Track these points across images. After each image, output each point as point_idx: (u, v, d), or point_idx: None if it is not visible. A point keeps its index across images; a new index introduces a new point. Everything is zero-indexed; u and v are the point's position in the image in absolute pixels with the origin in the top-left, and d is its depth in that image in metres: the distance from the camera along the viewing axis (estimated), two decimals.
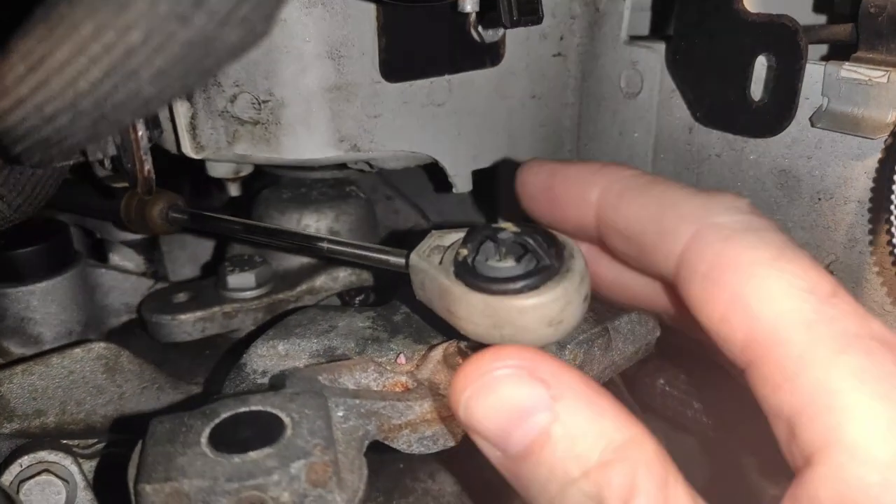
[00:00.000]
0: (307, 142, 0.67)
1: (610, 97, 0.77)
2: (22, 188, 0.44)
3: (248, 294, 0.77)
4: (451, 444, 0.50)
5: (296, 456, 0.39)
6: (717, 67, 0.64)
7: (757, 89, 0.61)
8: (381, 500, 0.76)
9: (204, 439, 0.41)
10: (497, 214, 0.85)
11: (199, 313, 0.75)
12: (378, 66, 0.66)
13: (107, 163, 0.42)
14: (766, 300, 0.39)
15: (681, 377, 0.79)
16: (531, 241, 0.44)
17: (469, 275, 0.44)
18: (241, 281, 0.77)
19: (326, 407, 0.44)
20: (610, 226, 0.48)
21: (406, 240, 0.73)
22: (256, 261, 0.78)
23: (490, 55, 0.72)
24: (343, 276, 0.80)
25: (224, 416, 0.42)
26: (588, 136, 0.82)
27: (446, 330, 0.50)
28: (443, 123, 0.72)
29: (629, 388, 0.85)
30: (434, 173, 0.82)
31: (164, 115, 0.68)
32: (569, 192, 0.50)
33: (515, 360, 0.38)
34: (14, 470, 0.50)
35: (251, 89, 0.65)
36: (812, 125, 0.60)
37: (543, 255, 0.44)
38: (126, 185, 0.81)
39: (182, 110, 0.66)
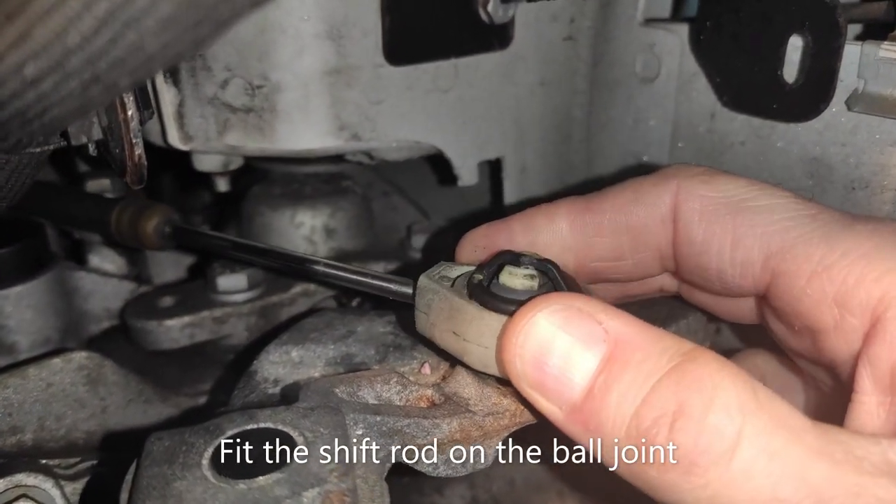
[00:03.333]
0: (304, 130, 0.62)
1: (624, 83, 0.73)
2: None
3: (240, 297, 0.72)
4: (482, 466, 0.45)
5: (309, 483, 0.34)
6: (746, 48, 0.60)
7: (790, 71, 0.57)
8: None
9: (206, 461, 0.36)
10: (500, 211, 0.80)
11: (187, 318, 0.69)
12: (381, 47, 0.61)
13: (91, 148, 0.37)
14: (767, 212, 0.44)
15: None
16: (553, 270, 0.45)
17: (485, 295, 0.43)
18: (231, 283, 0.72)
19: (344, 425, 0.39)
20: (593, 232, 0.50)
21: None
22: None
23: (498, 38, 0.67)
24: None
25: (229, 433, 0.37)
26: (599, 125, 0.78)
27: None
28: (448, 111, 0.68)
29: None
30: (438, 165, 0.77)
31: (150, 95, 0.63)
32: (535, 231, 0.51)
33: (564, 300, 0.38)
34: None
35: (244, 73, 0.60)
36: (848, 109, 0.56)
37: (563, 284, 0.44)
38: (114, 197, 0.76)
39: (168, 97, 0.61)
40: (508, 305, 0.42)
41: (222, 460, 0.36)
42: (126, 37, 0.26)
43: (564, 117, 0.77)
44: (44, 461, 0.53)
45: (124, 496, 0.35)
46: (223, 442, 0.37)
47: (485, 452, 0.44)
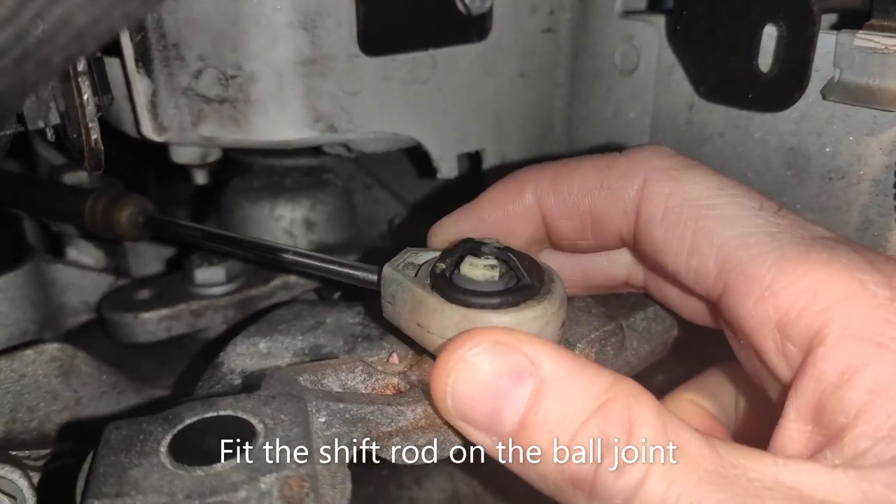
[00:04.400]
0: (279, 121, 0.62)
1: (603, 75, 0.73)
2: None
3: (218, 290, 0.71)
4: (446, 454, 0.45)
5: (267, 469, 0.34)
6: (721, 39, 0.60)
7: (765, 60, 0.57)
8: None
9: (163, 448, 0.35)
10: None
11: (163, 311, 0.69)
12: (356, 37, 0.61)
13: (49, 133, 0.37)
14: (728, 223, 0.43)
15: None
16: (514, 258, 0.44)
17: (447, 287, 0.43)
18: (209, 276, 0.71)
19: (306, 412, 0.39)
20: (557, 212, 0.50)
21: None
22: None
23: (476, 29, 0.67)
24: None
25: (188, 421, 0.37)
26: (580, 117, 0.77)
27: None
28: (426, 102, 0.67)
29: None
30: (417, 158, 0.77)
31: (121, 94, 0.62)
32: (504, 212, 0.51)
33: (490, 336, 0.38)
34: None
35: (217, 63, 0.59)
36: (823, 98, 0.56)
37: (525, 274, 0.44)
38: (88, 188, 0.75)
39: (141, 87, 0.60)
40: (469, 297, 0.42)
41: (180, 448, 0.35)
42: (52, 11, 0.26)
43: (545, 109, 0.77)
44: (14, 453, 0.52)
45: (80, 484, 0.35)
46: (182, 429, 0.36)
47: (450, 441, 0.43)
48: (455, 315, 0.42)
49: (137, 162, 0.89)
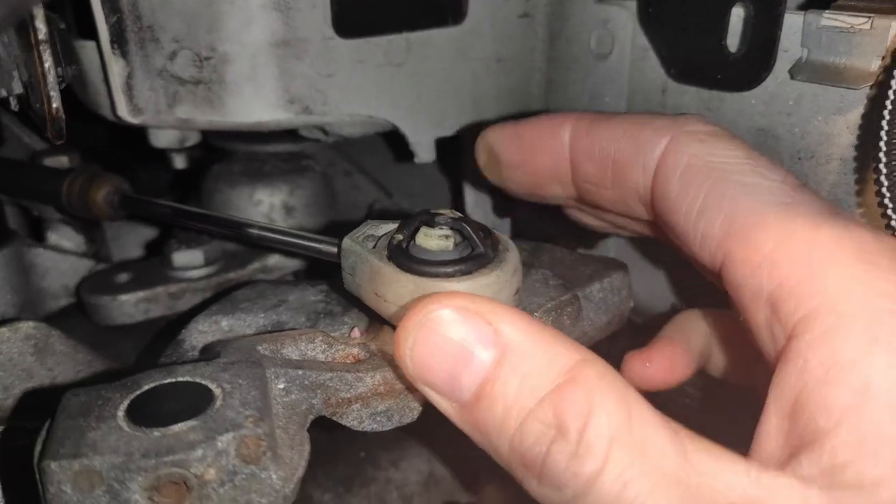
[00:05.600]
0: (254, 103, 0.62)
1: (580, 60, 0.73)
2: None
3: (196, 273, 0.72)
4: (408, 420, 0.46)
5: (224, 429, 0.35)
6: (691, 20, 0.60)
7: (733, 41, 0.58)
8: (341, 490, 0.71)
9: (121, 413, 0.36)
10: (461, 190, 0.80)
11: (141, 293, 0.69)
12: (330, 19, 0.61)
13: (13, 103, 0.37)
14: (743, 189, 0.41)
15: None
16: (468, 228, 0.45)
17: (402, 257, 0.44)
18: (187, 259, 0.72)
19: (264, 377, 0.39)
20: (584, 154, 0.50)
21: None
22: (205, 237, 0.73)
23: (452, 12, 0.67)
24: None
25: (146, 387, 0.38)
26: (557, 102, 0.78)
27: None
28: (401, 86, 0.68)
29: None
30: (395, 142, 0.77)
31: (97, 77, 0.63)
32: (540, 137, 0.52)
33: (455, 300, 0.37)
34: None
35: (192, 45, 0.60)
36: (791, 78, 0.57)
37: (479, 244, 0.44)
38: (66, 168, 0.76)
39: (117, 69, 0.61)
40: (423, 266, 0.43)
41: (138, 412, 0.36)
42: None
43: (522, 94, 0.77)
44: None
45: (38, 448, 0.35)
46: (140, 394, 0.37)
47: (409, 407, 0.44)
48: (409, 284, 0.42)
49: (118, 149, 0.89)
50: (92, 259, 0.77)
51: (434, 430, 0.77)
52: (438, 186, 0.88)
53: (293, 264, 0.75)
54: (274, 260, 0.74)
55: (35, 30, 0.35)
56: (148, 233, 0.82)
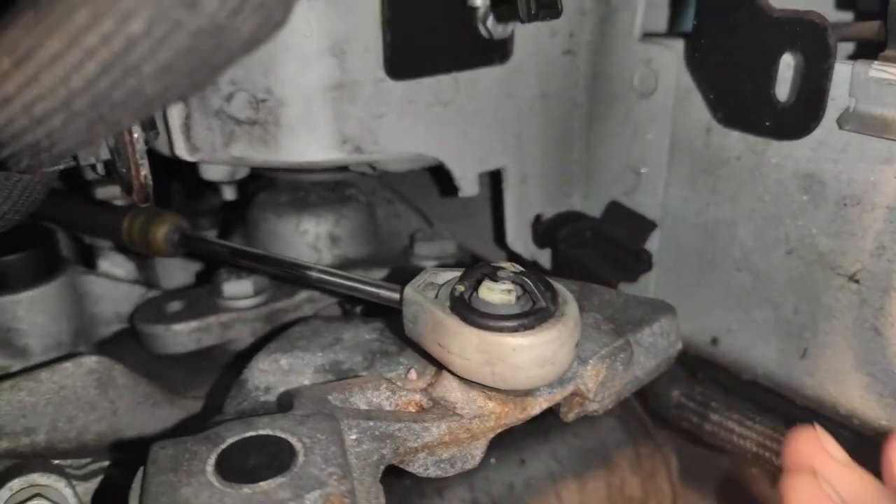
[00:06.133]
0: (308, 143, 0.64)
1: (622, 97, 0.75)
2: (8, 194, 0.41)
3: (245, 303, 0.74)
4: (469, 466, 0.47)
5: (311, 486, 0.36)
6: (739, 66, 0.62)
7: (782, 89, 0.59)
8: None
9: (210, 467, 0.37)
10: (503, 219, 0.82)
11: (194, 323, 0.71)
12: (382, 62, 0.63)
13: (99, 168, 0.39)
14: None
15: (696, 389, 0.76)
16: (529, 282, 0.46)
17: (466, 309, 0.45)
18: (237, 289, 0.73)
19: (339, 430, 0.41)
20: None
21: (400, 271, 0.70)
22: None
23: (498, 52, 0.69)
24: None
25: (230, 441, 0.39)
26: (598, 137, 0.79)
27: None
28: (449, 124, 0.69)
29: (642, 398, 0.83)
30: (439, 176, 0.79)
31: (157, 117, 0.65)
32: None
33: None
34: (4, 495, 0.46)
35: (249, 87, 0.62)
36: (839, 127, 0.58)
37: (540, 298, 0.46)
38: (125, 203, 0.78)
39: (175, 110, 0.63)
40: (487, 321, 0.44)
41: (225, 466, 0.38)
42: (126, 82, 0.28)
43: (564, 130, 0.79)
44: (56, 462, 0.55)
45: (134, 502, 0.37)
46: (225, 448, 0.39)
47: (472, 454, 0.46)
48: (474, 338, 0.44)
49: (164, 175, 0.91)
50: (143, 286, 0.79)
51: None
52: (479, 214, 0.90)
53: (338, 295, 0.77)
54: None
55: None
56: (194, 261, 0.84)
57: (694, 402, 0.75)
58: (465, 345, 0.44)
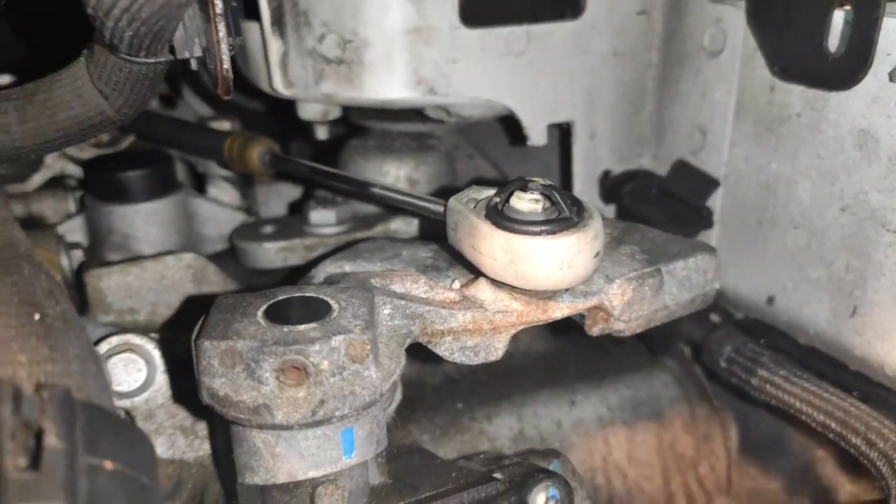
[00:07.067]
0: (387, 82, 0.71)
1: (693, 57, 0.77)
2: (122, 88, 0.50)
3: (328, 230, 0.82)
4: (492, 358, 0.52)
5: (338, 331, 0.43)
6: (795, 21, 0.64)
7: (834, 41, 0.60)
8: (438, 434, 0.79)
9: (260, 313, 0.45)
10: (571, 176, 0.86)
11: (282, 243, 0.80)
12: (458, 10, 0.69)
13: (193, 63, 0.48)
14: None
15: (748, 346, 0.78)
16: (556, 195, 0.51)
17: (496, 215, 0.50)
18: (322, 217, 0.82)
19: (372, 299, 0.48)
20: None
21: None
22: (338, 201, 0.83)
23: (570, 6, 0.73)
24: (416, 222, 0.84)
25: (280, 297, 0.47)
26: (669, 98, 0.82)
27: None
28: (520, 74, 0.75)
29: (696, 353, 0.85)
30: (511, 127, 0.84)
31: (259, 55, 0.74)
32: None
33: None
34: (102, 347, 0.55)
35: (338, 29, 0.70)
36: (890, 80, 0.59)
37: (565, 208, 0.50)
38: (227, 128, 0.88)
39: (275, 47, 0.71)
40: (514, 224, 0.49)
41: (273, 313, 0.45)
42: None
43: (636, 89, 0.82)
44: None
45: (196, 331, 0.45)
46: (275, 301, 0.46)
47: (494, 346, 0.51)
48: (501, 239, 0.49)
49: (270, 120, 1.02)
50: (244, 213, 0.89)
51: (527, 396, 0.83)
52: (552, 173, 0.94)
53: (412, 230, 0.84)
54: (395, 225, 0.83)
55: (213, 5, 0.45)
56: (291, 194, 0.94)
57: (744, 357, 0.76)
58: (493, 245, 0.50)
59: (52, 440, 0.26)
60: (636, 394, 0.86)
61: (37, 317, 0.31)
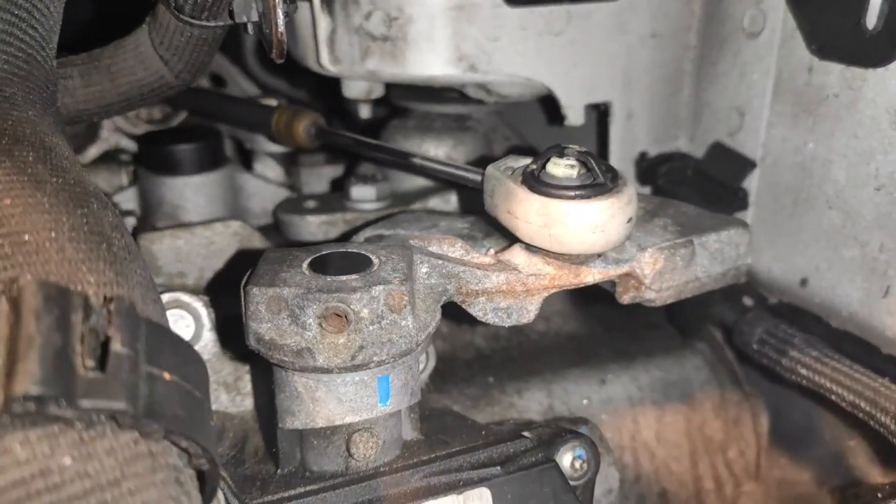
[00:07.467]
0: (429, 59, 0.73)
1: (732, 38, 0.78)
2: (182, 53, 0.53)
3: (369, 206, 0.84)
4: (524, 320, 0.54)
5: (377, 282, 0.45)
6: None
7: (872, 18, 0.61)
8: (469, 405, 0.81)
9: (305, 264, 0.48)
10: (607, 158, 0.87)
11: (323, 217, 0.83)
12: None
13: (250, 28, 0.50)
14: None
15: (780, 327, 0.78)
16: (591, 161, 0.52)
17: (532, 180, 0.52)
18: (363, 193, 0.84)
19: (411, 256, 0.50)
20: None
21: None
22: (378, 178, 0.86)
23: None
24: (454, 200, 0.86)
25: (325, 252, 0.49)
26: (707, 80, 0.83)
27: None
28: (559, 53, 0.76)
29: (728, 336, 0.86)
30: (549, 107, 0.86)
31: (308, 33, 0.77)
32: None
33: None
34: None
35: (384, 6, 0.72)
36: None
37: (599, 175, 0.52)
38: (275, 104, 0.92)
39: (323, 24, 0.74)
40: (549, 189, 0.51)
41: (317, 265, 0.48)
42: None
43: (674, 70, 0.83)
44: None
45: (245, 279, 0.47)
46: (320, 255, 0.49)
47: (527, 308, 0.53)
48: (536, 202, 0.51)
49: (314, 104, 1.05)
50: (288, 189, 0.92)
51: (557, 373, 0.85)
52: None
53: (450, 207, 0.86)
54: (434, 202, 0.85)
55: None
56: (333, 175, 0.97)
57: (775, 338, 0.77)
58: (528, 209, 0.52)
59: (117, 346, 0.28)
60: (667, 375, 0.87)
61: (104, 246, 0.34)
